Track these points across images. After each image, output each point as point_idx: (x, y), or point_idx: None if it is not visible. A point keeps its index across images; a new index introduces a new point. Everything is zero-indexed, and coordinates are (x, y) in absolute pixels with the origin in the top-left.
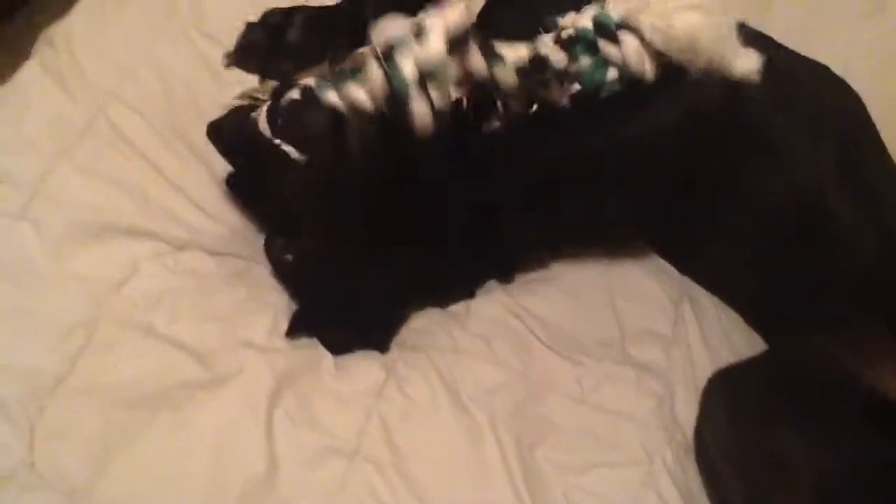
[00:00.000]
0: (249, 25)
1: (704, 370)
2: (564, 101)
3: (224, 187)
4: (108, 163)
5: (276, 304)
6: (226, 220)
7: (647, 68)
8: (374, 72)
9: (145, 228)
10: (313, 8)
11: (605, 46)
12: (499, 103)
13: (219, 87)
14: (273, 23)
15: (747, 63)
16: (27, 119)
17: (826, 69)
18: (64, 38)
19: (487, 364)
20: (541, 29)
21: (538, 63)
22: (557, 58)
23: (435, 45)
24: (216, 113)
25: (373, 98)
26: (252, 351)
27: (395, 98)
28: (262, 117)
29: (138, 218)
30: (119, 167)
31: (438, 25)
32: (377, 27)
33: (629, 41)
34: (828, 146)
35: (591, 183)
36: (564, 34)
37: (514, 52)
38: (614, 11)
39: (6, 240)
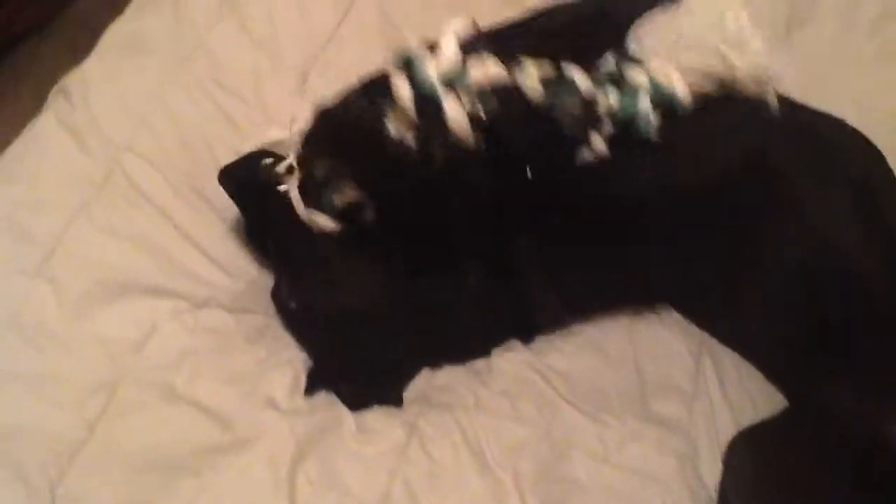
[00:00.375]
0: None
1: (726, 426)
2: (601, 147)
3: (241, 240)
4: (125, 218)
5: (296, 362)
6: (243, 276)
7: (679, 86)
8: (401, 85)
9: (163, 286)
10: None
11: (630, 73)
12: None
13: (237, 139)
14: None
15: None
16: (43, 174)
17: (846, 124)
18: (79, 88)
19: (511, 422)
20: None
21: (563, 79)
22: (583, 80)
23: (448, 51)
24: None
25: (404, 120)
26: (273, 412)
27: (425, 104)
28: (293, 189)
29: (156, 275)
30: (136, 223)
31: (448, 36)
32: (393, 54)
33: (653, 62)
34: (850, 199)
35: (629, 242)
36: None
37: (539, 67)
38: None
39: (24, 299)
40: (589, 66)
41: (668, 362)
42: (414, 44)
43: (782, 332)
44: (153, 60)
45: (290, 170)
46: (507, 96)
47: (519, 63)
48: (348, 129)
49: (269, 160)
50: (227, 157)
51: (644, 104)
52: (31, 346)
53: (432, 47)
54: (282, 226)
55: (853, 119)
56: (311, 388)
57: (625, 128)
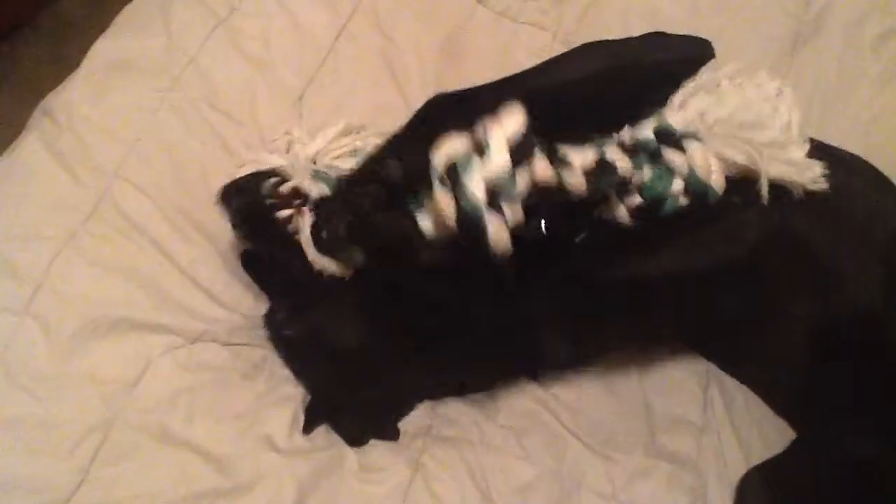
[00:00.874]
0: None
1: (735, 460)
2: (624, 216)
3: (236, 272)
4: (115, 250)
5: (294, 398)
6: (239, 308)
7: (715, 178)
8: (442, 196)
9: (156, 321)
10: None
11: (669, 154)
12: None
13: (231, 164)
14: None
15: (812, 173)
16: (28, 203)
17: (872, 168)
18: (64, 110)
19: (518, 460)
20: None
21: (606, 167)
22: (624, 164)
23: (499, 158)
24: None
25: (440, 224)
26: (272, 454)
27: (468, 221)
28: (305, 229)
29: (149, 311)
30: (127, 255)
31: (498, 137)
32: (436, 147)
33: (695, 148)
34: (878, 260)
35: (647, 305)
36: (627, 142)
37: (581, 156)
38: (675, 121)
39: (11, 339)
40: (619, 123)
41: (676, 395)
42: (458, 143)
43: (802, 384)
44: (142, 80)
45: (295, 193)
46: (552, 201)
47: (563, 161)
48: (378, 229)
49: (272, 181)
50: (222, 184)
51: (676, 187)
52: (18, 388)
53: (480, 147)
54: (282, 252)
55: (859, 140)
56: (309, 425)
57: (651, 203)
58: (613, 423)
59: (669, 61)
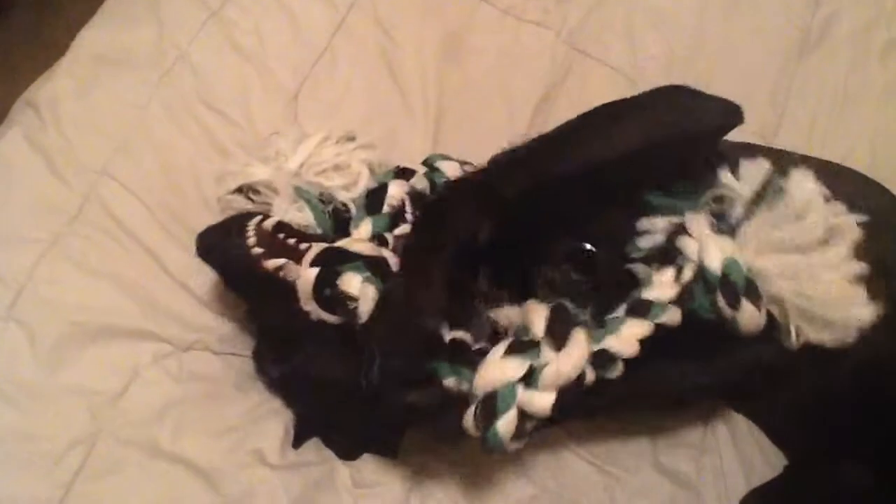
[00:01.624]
0: None
1: (737, 481)
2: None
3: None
4: (102, 253)
5: (288, 410)
6: (231, 316)
7: (756, 331)
8: (470, 420)
9: (145, 329)
10: None
11: (722, 302)
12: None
13: (223, 165)
14: None
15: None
16: (11, 203)
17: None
18: (48, 103)
19: (517, 478)
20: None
21: (656, 334)
22: (673, 319)
23: (543, 402)
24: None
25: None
26: (264, 469)
27: (486, 447)
28: (304, 280)
29: (137, 317)
30: (114, 258)
31: (551, 378)
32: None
33: (748, 311)
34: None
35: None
36: (687, 273)
37: (629, 344)
38: (750, 254)
39: None
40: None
41: (679, 416)
42: (504, 371)
43: (803, 425)
44: (130, 73)
45: (279, 228)
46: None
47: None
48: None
49: (252, 224)
50: (214, 185)
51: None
52: (0, 399)
53: (527, 378)
54: (270, 298)
55: (865, 151)
56: (298, 440)
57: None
58: (614, 439)
59: (704, 132)
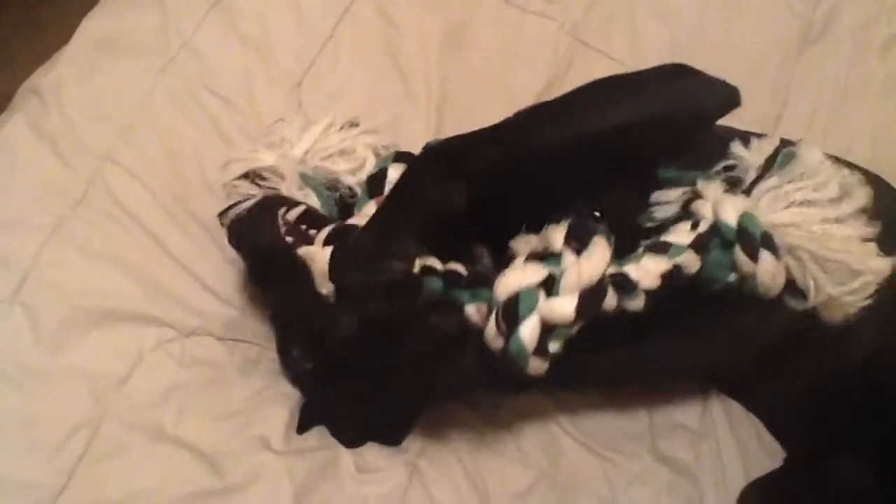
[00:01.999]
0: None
1: (734, 468)
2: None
3: (232, 263)
4: (106, 238)
5: (292, 395)
6: (234, 301)
7: (776, 290)
8: (493, 328)
9: (149, 313)
10: None
11: (741, 256)
12: None
13: (227, 151)
14: None
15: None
16: (15, 187)
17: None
18: (52, 89)
19: (516, 463)
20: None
21: (674, 274)
22: (692, 264)
23: (564, 308)
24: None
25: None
26: (268, 453)
27: (509, 360)
28: (319, 260)
29: (141, 302)
30: (118, 243)
31: (572, 282)
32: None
33: (767, 262)
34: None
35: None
36: (703, 226)
37: (649, 275)
38: (764, 211)
39: None
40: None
41: (676, 399)
42: (526, 275)
43: (804, 419)
44: (134, 60)
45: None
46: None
47: (631, 285)
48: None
49: (282, 211)
50: (217, 171)
51: (731, 278)
52: (4, 381)
53: (549, 284)
54: (295, 288)
55: (865, 145)
56: (303, 426)
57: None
58: (613, 426)
59: (701, 111)
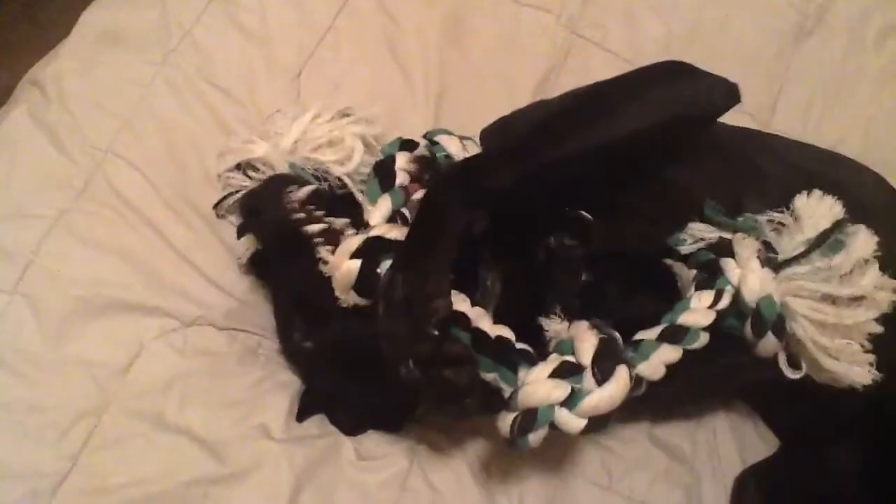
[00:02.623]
0: None
1: (730, 454)
2: None
3: (233, 253)
4: (108, 229)
5: (293, 384)
6: (234, 291)
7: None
8: (505, 427)
9: (150, 304)
10: None
11: (748, 328)
12: None
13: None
14: None
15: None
16: (17, 180)
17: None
18: (52, 81)
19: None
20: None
21: (683, 357)
22: (702, 344)
23: (576, 424)
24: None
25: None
26: (269, 441)
27: (511, 445)
28: (344, 272)
29: (142, 292)
30: (119, 234)
31: (589, 407)
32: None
33: (770, 343)
34: None
35: None
36: (724, 301)
37: (658, 371)
38: (786, 292)
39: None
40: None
41: None
42: (549, 391)
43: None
44: (134, 52)
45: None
46: None
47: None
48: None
49: (291, 189)
50: (217, 162)
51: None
52: (7, 370)
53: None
54: (301, 266)
55: (859, 137)
56: (302, 414)
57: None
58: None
59: (704, 112)
